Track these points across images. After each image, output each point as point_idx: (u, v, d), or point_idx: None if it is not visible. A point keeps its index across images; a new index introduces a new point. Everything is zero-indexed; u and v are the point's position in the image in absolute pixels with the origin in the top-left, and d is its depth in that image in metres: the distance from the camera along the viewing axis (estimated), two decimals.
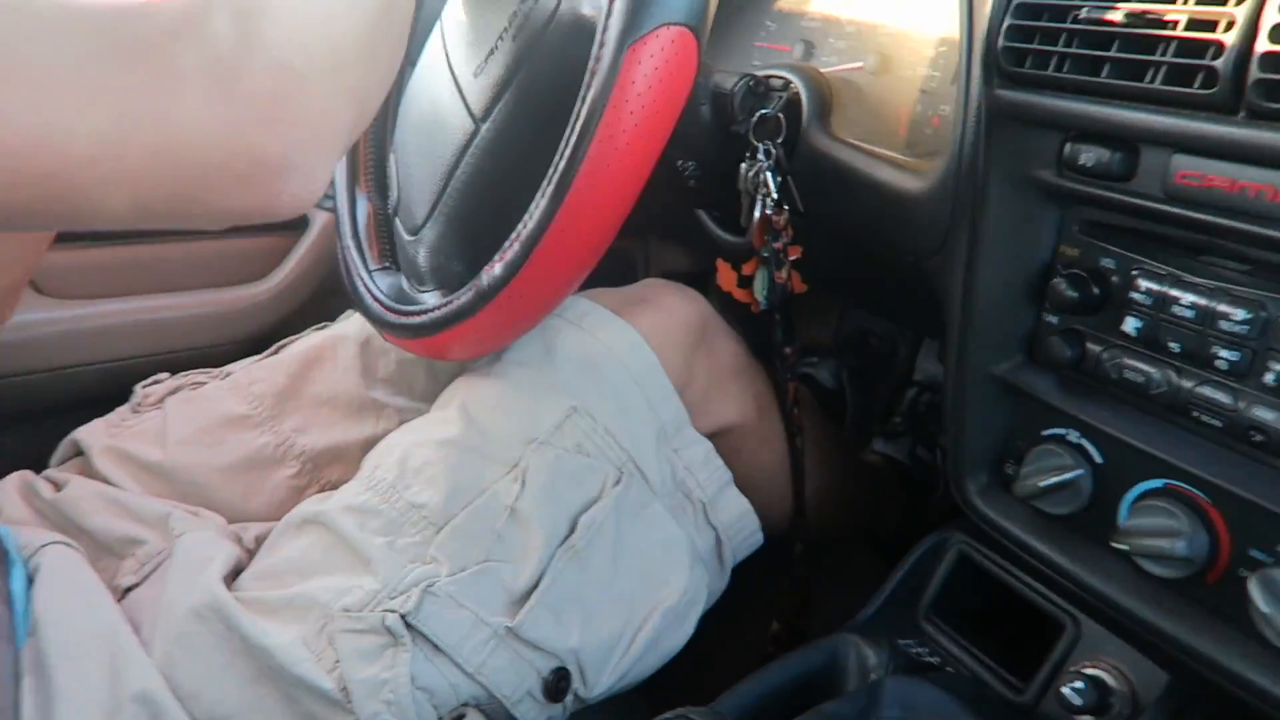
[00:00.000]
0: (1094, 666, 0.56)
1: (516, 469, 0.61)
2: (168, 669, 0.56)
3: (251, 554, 0.66)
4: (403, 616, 0.55)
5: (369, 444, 0.68)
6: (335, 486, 0.67)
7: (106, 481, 0.70)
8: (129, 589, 0.63)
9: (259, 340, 0.98)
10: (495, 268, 0.56)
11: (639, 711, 0.55)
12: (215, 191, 0.43)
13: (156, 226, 0.48)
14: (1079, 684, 0.54)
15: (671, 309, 0.71)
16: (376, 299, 0.68)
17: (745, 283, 0.74)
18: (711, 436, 0.69)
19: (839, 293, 1.14)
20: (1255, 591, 0.44)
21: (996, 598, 0.62)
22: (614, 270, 0.77)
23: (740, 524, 0.68)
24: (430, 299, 0.66)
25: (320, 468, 0.76)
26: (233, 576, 0.62)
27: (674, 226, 1.08)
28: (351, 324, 0.81)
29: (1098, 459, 0.53)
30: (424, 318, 0.61)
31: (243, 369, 0.79)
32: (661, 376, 0.66)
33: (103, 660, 0.55)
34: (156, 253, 1.00)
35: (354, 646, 0.55)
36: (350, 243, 0.73)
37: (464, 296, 0.58)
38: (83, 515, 0.65)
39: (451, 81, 0.64)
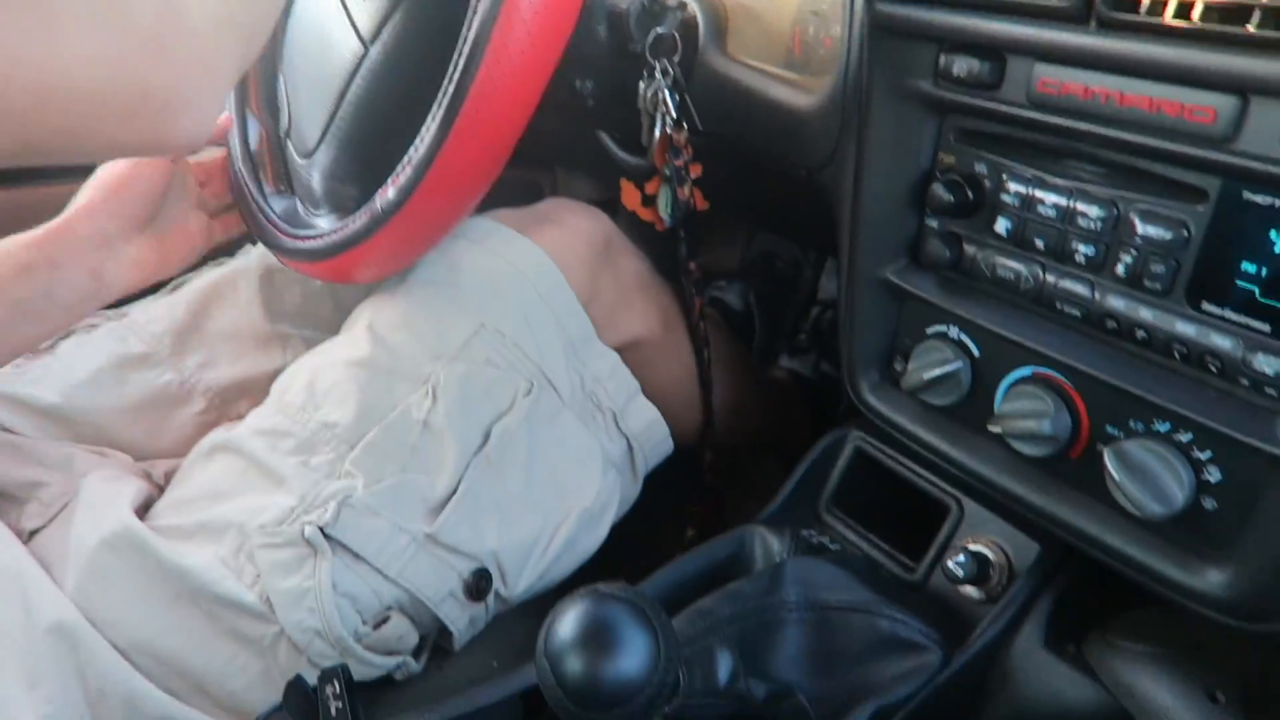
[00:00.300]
0: (975, 543, 0.61)
1: (427, 384, 0.61)
2: (82, 601, 0.56)
3: (162, 489, 0.65)
4: (321, 528, 0.56)
5: (277, 375, 0.67)
6: None
7: (1, 429, 0.68)
8: (34, 532, 0.62)
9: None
10: (389, 191, 0.56)
11: None
12: (102, 127, 0.43)
13: (44, 164, 0.47)
14: (960, 558, 0.59)
15: (574, 226, 0.72)
16: (271, 222, 0.67)
17: (649, 201, 0.75)
18: (619, 350, 0.71)
19: (745, 217, 1.16)
20: (1110, 462, 0.49)
21: (891, 490, 0.67)
22: (522, 201, 0.77)
23: (650, 431, 0.71)
24: (325, 223, 0.65)
25: (228, 402, 0.75)
26: (143, 510, 0.62)
27: (579, 157, 1.08)
28: (251, 258, 0.79)
29: (975, 352, 0.57)
30: (319, 242, 0.61)
31: (139, 308, 0.77)
32: (567, 291, 0.67)
33: (12, 598, 0.54)
34: (39, 195, 0.95)
35: (273, 559, 0.56)
36: (243, 166, 0.71)
37: (359, 220, 0.58)
38: None
39: (339, 2, 0.63)
